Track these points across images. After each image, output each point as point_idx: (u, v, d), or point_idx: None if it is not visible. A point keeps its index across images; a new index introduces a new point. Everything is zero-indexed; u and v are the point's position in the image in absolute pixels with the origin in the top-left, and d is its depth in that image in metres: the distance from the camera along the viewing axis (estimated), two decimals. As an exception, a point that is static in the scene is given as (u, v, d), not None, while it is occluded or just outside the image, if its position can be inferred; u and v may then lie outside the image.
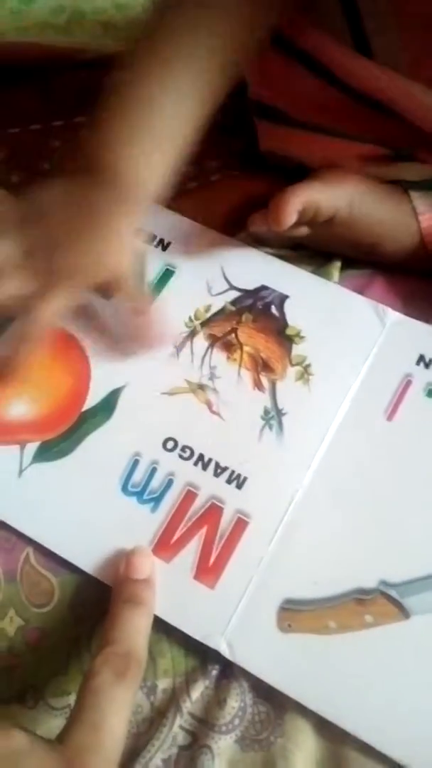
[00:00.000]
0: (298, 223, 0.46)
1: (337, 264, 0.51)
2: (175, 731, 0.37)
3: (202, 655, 0.39)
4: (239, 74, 0.43)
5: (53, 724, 0.37)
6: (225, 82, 0.41)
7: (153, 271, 0.50)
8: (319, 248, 0.51)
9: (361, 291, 0.50)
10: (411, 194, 0.48)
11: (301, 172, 0.49)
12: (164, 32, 0.41)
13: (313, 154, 0.50)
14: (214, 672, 0.39)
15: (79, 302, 0.43)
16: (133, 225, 0.42)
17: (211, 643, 0.38)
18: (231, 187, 0.54)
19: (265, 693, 0.38)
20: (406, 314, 0.48)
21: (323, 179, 0.46)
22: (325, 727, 0.37)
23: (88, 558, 0.40)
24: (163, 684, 0.39)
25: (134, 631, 0.36)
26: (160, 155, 0.41)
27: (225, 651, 0.38)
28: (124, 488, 0.42)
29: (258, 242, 0.51)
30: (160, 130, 0.40)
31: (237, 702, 0.38)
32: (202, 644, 0.38)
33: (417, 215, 0.48)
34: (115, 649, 0.34)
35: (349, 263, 0.51)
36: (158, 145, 0.40)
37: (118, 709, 0.32)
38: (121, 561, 0.40)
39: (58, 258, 0.40)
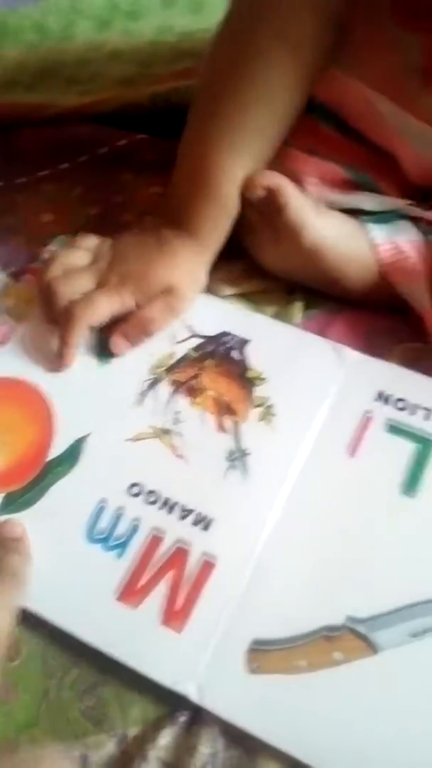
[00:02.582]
0: (266, 215, 0.48)
1: (299, 305, 0.53)
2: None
3: (173, 701, 0.38)
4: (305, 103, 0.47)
5: (22, 779, 0.37)
6: (292, 121, 0.47)
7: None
8: (287, 278, 0.53)
9: (323, 330, 0.51)
10: (368, 226, 0.50)
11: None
12: (234, 84, 0.45)
13: (276, 165, 0.50)
14: (183, 719, 0.38)
15: (130, 308, 0.48)
16: (201, 263, 0.50)
17: (180, 689, 0.38)
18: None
19: (237, 737, 0.37)
20: (368, 352, 0.49)
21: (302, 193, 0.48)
22: (298, 770, 0.36)
23: (54, 609, 0.40)
24: (134, 732, 0.38)
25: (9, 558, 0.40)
26: (225, 218, 0.49)
27: (194, 696, 0.38)
28: (89, 536, 0.42)
29: (228, 282, 0.53)
30: (227, 196, 0.48)
31: (208, 748, 0.37)
32: (172, 691, 0.38)
33: (375, 247, 0.50)
34: None
35: (312, 303, 0.53)
36: (224, 208, 0.48)
37: None
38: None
39: (126, 270, 0.48)
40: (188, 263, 0.49)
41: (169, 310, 0.49)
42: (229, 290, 0.54)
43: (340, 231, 0.50)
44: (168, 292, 0.48)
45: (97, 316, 0.48)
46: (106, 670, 0.39)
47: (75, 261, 0.50)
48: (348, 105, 0.49)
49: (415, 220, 0.52)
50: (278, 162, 0.50)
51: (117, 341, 0.48)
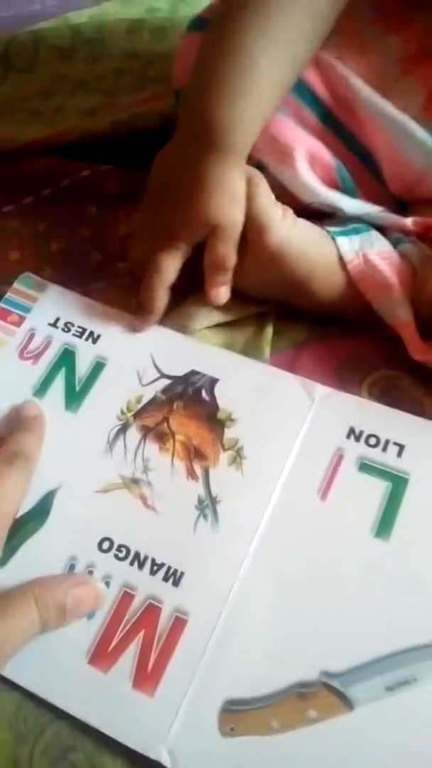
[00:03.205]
0: None
1: (268, 335, 0.52)
2: None
3: (147, 765, 0.38)
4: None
5: None
6: (310, 49, 0.47)
7: (84, 365, 0.50)
8: (256, 293, 0.52)
9: (292, 363, 0.50)
10: (338, 240, 0.49)
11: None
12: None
13: (264, 134, 0.50)
14: (157, 785, 0.37)
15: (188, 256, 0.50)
16: (238, 176, 0.48)
17: (152, 754, 0.37)
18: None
19: (213, 802, 0.37)
20: (339, 385, 0.48)
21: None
22: None
23: (24, 673, 0.40)
24: (108, 800, 0.37)
25: (23, 438, 0.45)
26: (257, 123, 0.47)
27: (166, 761, 0.37)
28: (59, 597, 0.42)
29: (200, 315, 0.52)
30: (258, 95, 0.46)
31: None
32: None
33: (346, 263, 0.49)
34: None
35: (282, 330, 0.52)
36: (255, 111, 0.46)
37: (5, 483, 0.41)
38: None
39: (171, 221, 0.49)
40: (227, 188, 0.48)
41: (231, 241, 0.49)
42: (200, 323, 0.52)
43: (306, 234, 0.49)
44: (216, 227, 0.48)
45: (169, 278, 0.49)
46: (79, 733, 0.39)
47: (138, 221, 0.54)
48: (331, 88, 0.49)
49: (385, 232, 0.51)
50: (266, 131, 0.49)
51: (218, 292, 0.50)
